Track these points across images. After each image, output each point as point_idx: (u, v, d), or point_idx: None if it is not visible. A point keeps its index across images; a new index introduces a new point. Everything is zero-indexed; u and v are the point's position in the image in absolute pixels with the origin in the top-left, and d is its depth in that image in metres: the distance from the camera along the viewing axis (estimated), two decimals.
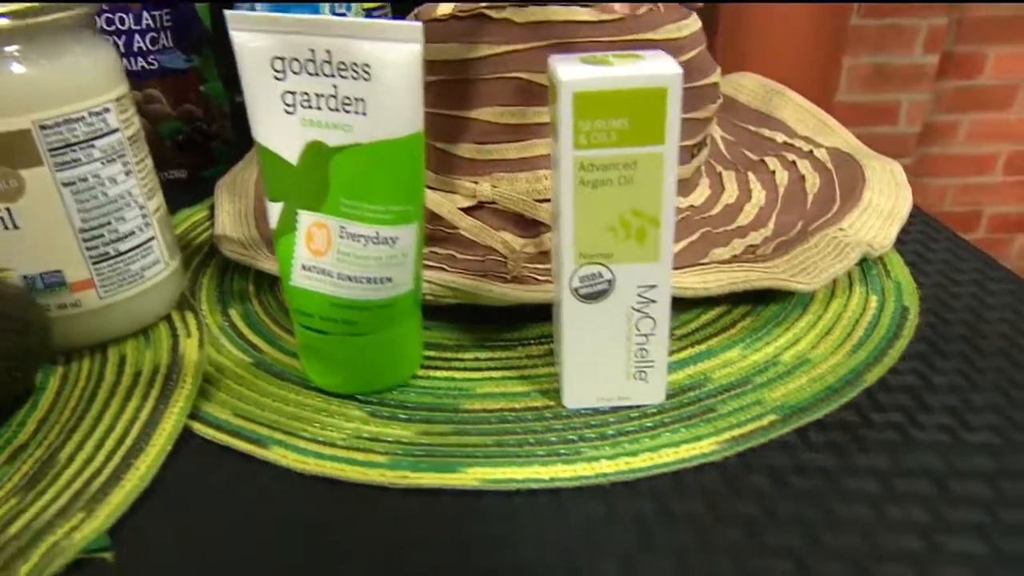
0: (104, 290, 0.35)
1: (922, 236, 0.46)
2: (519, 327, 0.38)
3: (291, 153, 0.31)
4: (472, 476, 0.28)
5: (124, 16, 0.50)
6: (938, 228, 0.47)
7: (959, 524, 0.25)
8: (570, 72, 0.27)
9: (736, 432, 0.30)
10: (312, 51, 0.29)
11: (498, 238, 0.43)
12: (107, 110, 0.34)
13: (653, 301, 0.30)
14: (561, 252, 0.29)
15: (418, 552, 0.25)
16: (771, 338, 0.36)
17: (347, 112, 0.30)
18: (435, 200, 0.42)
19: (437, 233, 0.44)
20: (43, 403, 0.33)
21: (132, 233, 0.36)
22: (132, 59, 0.52)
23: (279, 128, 0.31)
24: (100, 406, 0.33)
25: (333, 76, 0.29)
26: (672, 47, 0.45)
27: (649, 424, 0.31)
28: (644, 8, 0.45)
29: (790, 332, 0.36)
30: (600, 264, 0.29)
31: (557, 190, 0.29)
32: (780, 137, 0.59)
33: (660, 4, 0.48)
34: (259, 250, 0.44)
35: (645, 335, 0.31)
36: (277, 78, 0.30)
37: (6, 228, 0.33)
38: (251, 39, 0.30)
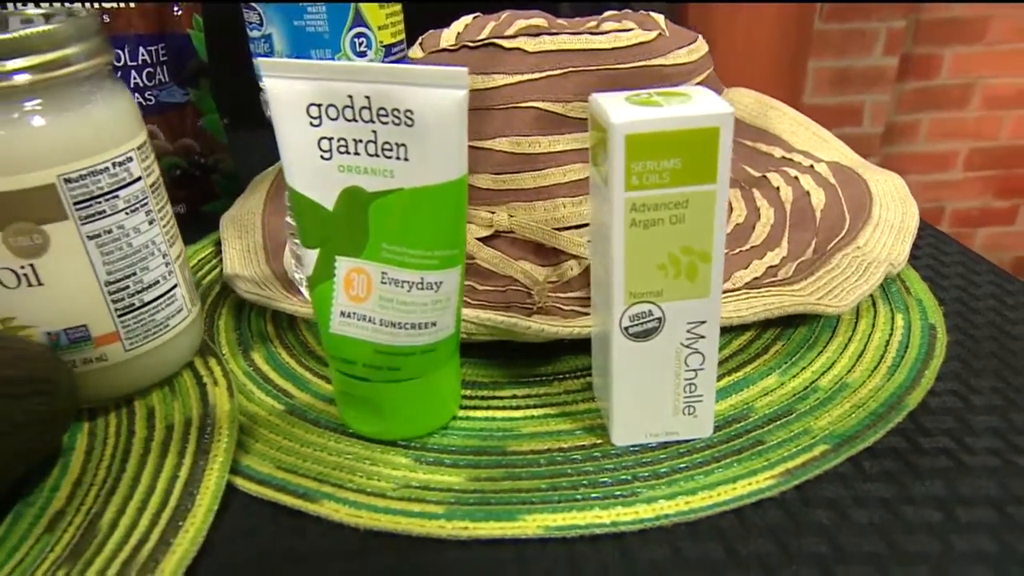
0: (130, 342, 0.34)
1: (933, 250, 0.47)
2: (552, 361, 0.38)
3: (327, 199, 0.30)
4: (534, 523, 0.28)
5: (120, 52, 0.49)
6: (946, 241, 0.48)
7: None
8: (621, 114, 0.26)
9: (790, 464, 0.30)
10: (350, 97, 0.29)
11: (518, 268, 0.42)
12: (130, 159, 0.33)
13: (702, 336, 0.30)
14: (611, 292, 0.29)
15: None
16: (806, 363, 0.36)
17: (387, 157, 0.29)
18: None
19: None
20: (74, 464, 0.32)
21: (156, 282, 0.35)
22: None
23: (314, 174, 0.30)
24: (136, 464, 0.32)
25: (372, 122, 0.29)
26: (682, 71, 0.45)
27: (700, 460, 0.31)
28: (653, 34, 0.45)
29: (824, 356, 0.36)
30: (650, 302, 0.29)
31: (606, 229, 0.29)
32: (778, 152, 0.59)
33: (666, 28, 0.48)
34: (274, 288, 0.43)
35: (694, 370, 0.30)
36: (313, 124, 0.30)
37: (30, 285, 0.32)
38: (285, 85, 0.29)
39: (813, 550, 0.26)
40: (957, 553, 0.26)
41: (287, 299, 0.41)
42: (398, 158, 0.29)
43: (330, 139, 0.30)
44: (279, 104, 0.30)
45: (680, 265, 0.28)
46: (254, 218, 0.51)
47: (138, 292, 0.34)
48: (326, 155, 0.30)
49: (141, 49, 0.50)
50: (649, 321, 0.29)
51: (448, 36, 0.50)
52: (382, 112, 0.29)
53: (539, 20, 0.51)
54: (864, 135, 1.81)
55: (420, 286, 0.30)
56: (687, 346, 0.30)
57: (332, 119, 0.29)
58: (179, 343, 0.37)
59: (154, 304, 0.35)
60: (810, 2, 1.58)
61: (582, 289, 0.42)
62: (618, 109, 0.27)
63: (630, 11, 0.53)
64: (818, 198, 0.51)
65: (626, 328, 0.29)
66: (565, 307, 0.41)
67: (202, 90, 0.54)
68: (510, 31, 0.50)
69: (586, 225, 0.44)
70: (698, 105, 0.27)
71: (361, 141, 0.29)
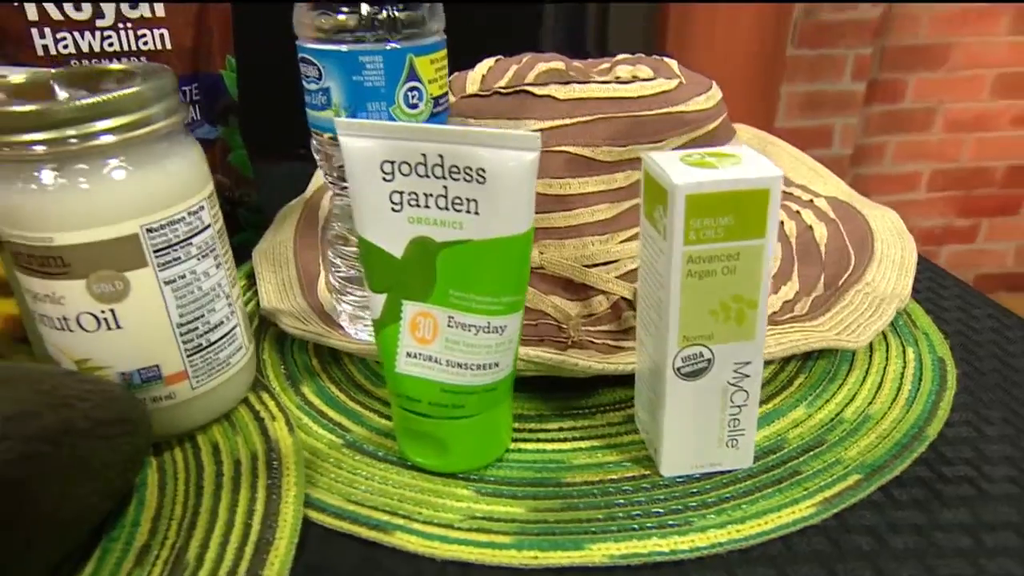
0: (196, 380, 0.36)
1: (931, 283, 0.50)
2: (592, 394, 0.40)
3: (396, 248, 0.32)
4: (599, 552, 0.30)
5: None
6: (942, 274, 0.51)
7: None
8: (680, 175, 0.29)
9: (827, 493, 0.32)
10: (423, 155, 0.31)
11: (550, 303, 0.45)
12: (202, 208, 0.35)
13: (747, 376, 0.32)
14: (666, 335, 0.31)
15: None
16: (828, 395, 0.39)
17: (457, 211, 0.31)
18: None
19: None
20: (149, 500, 0.33)
21: (221, 323, 0.36)
22: None
23: (385, 225, 0.32)
24: (211, 499, 0.33)
25: (444, 178, 0.31)
26: (700, 117, 0.48)
27: (744, 489, 0.33)
28: (675, 83, 0.48)
29: (844, 388, 0.39)
30: (701, 345, 0.32)
31: (662, 278, 0.31)
32: None
33: (681, 74, 0.51)
34: (315, 323, 0.44)
35: (738, 406, 0.33)
36: (385, 179, 0.32)
37: (108, 328, 0.33)
38: (360, 144, 0.31)
39: (858, 574, 0.29)
40: (989, 575, 0.28)
41: (332, 334, 0.43)
42: (468, 212, 0.31)
43: (401, 193, 0.32)
44: (353, 161, 0.32)
45: (730, 311, 0.31)
46: (286, 251, 0.53)
47: (205, 332, 0.36)
48: (396, 207, 0.32)
49: None
50: (700, 362, 0.32)
51: (474, 79, 0.52)
52: (454, 170, 0.31)
53: (557, 63, 0.54)
54: (834, 156, 1.87)
55: (486, 330, 0.32)
56: (733, 384, 0.32)
57: (404, 175, 0.31)
58: (239, 380, 0.38)
59: (219, 343, 0.36)
60: (796, 2, 1.63)
61: (611, 323, 0.45)
62: (677, 170, 0.29)
63: (643, 55, 0.55)
64: (820, 232, 0.54)
65: (678, 368, 0.32)
66: (597, 340, 0.43)
67: (231, 127, 0.56)
68: (532, 74, 0.52)
69: (613, 262, 0.46)
70: (750, 167, 0.30)
71: (432, 195, 0.31)
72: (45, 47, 0.49)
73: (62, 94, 0.32)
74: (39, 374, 0.29)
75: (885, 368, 0.41)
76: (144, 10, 0.50)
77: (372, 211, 0.32)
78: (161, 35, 0.51)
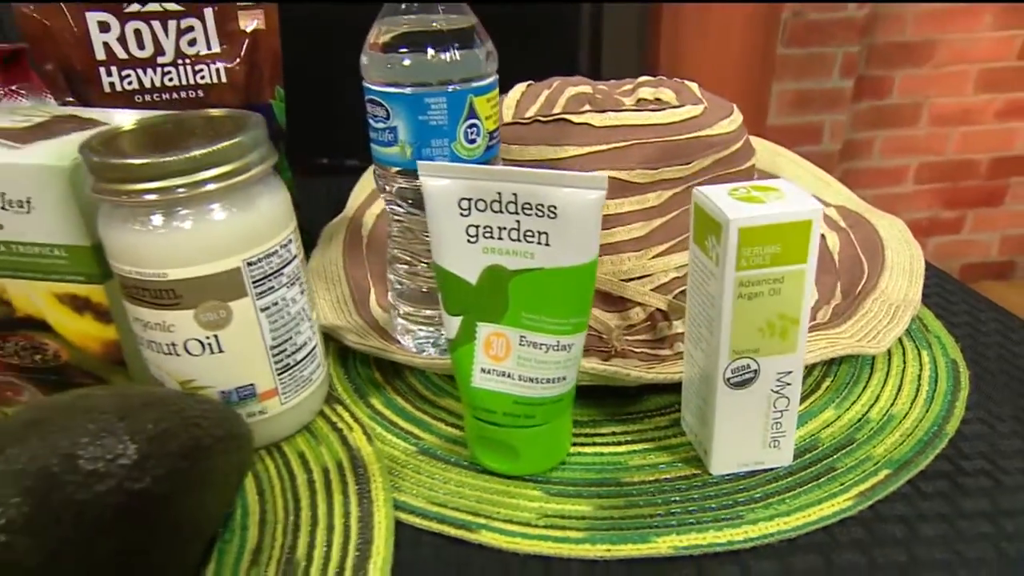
0: (285, 396, 0.40)
1: (939, 288, 0.54)
2: (638, 400, 0.44)
3: (471, 275, 0.36)
4: (664, 544, 0.34)
5: None
6: (948, 280, 0.55)
7: None
8: (732, 210, 0.33)
9: (862, 487, 0.36)
10: (499, 193, 0.35)
11: (591, 315, 0.48)
12: (290, 240, 0.38)
13: (788, 384, 0.36)
14: (718, 349, 0.35)
15: None
16: (854, 397, 0.43)
17: (528, 242, 0.35)
18: None
19: None
20: (252, 505, 0.37)
21: (305, 343, 0.40)
22: None
23: (460, 255, 0.36)
24: (308, 504, 0.37)
25: (517, 213, 0.35)
26: (726, 140, 0.52)
27: (786, 485, 0.37)
28: (701, 109, 0.52)
29: (868, 391, 0.43)
30: (749, 357, 0.35)
31: (714, 300, 0.35)
32: None
33: (702, 97, 0.55)
34: (374, 337, 0.48)
35: (780, 411, 0.37)
36: (462, 215, 0.35)
37: (212, 352, 0.37)
38: (439, 183, 0.35)
39: (894, 559, 0.33)
40: (1010, 558, 0.32)
41: (394, 349, 0.46)
42: (539, 243, 0.35)
43: (477, 227, 0.35)
44: (433, 198, 0.35)
45: (775, 328, 0.35)
46: (337, 270, 0.56)
47: (293, 352, 0.39)
48: (472, 239, 0.36)
49: None
50: (747, 373, 0.36)
51: (508, 105, 0.56)
52: (527, 206, 0.34)
53: (585, 87, 0.58)
54: (824, 152, 1.92)
55: (556, 348, 0.36)
56: (776, 392, 0.36)
57: (480, 211, 0.35)
58: (318, 394, 0.42)
59: (303, 361, 0.40)
60: (786, 2, 1.67)
61: (647, 333, 0.49)
62: (728, 204, 0.33)
63: (664, 78, 0.59)
64: (833, 242, 0.59)
65: (728, 379, 0.36)
66: (636, 349, 0.47)
67: (280, 153, 0.59)
68: (562, 99, 0.56)
69: (647, 276, 0.50)
70: (792, 201, 0.33)
71: (505, 228, 0.35)
72: (112, 84, 0.52)
73: (166, 144, 0.36)
74: (169, 398, 0.32)
75: (903, 371, 0.45)
76: (201, 47, 0.54)
77: (449, 242, 0.36)
78: (217, 70, 0.54)
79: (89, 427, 0.29)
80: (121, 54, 0.52)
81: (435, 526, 0.36)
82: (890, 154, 2.03)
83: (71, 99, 0.52)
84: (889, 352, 0.47)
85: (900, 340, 0.48)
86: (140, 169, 0.33)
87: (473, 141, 0.42)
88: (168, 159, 0.34)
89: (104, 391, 0.32)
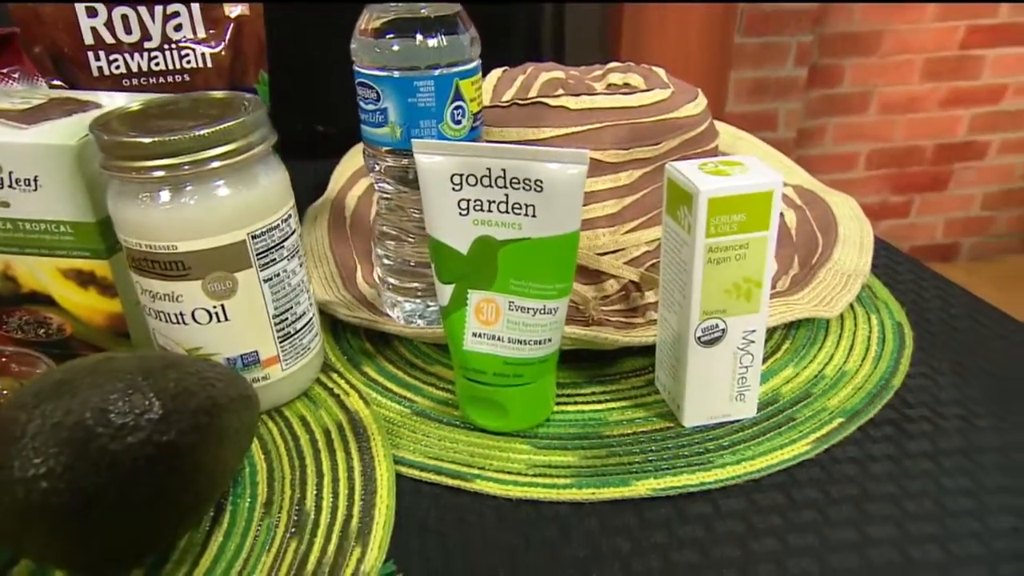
0: (286, 363, 0.42)
1: (886, 260, 0.59)
2: (615, 363, 0.47)
3: (463, 246, 0.39)
4: (643, 487, 0.37)
5: None
6: (895, 252, 0.60)
7: (995, 486, 0.37)
8: (703, 182, 0.36)
9: (818, 434, 0.40)
10: (488, 169, 0.37)
11: None
12: (290, 216, 0.41)
13: (752, 341, 0.40)
14: (689, 310, 0.39)
15: (624, 541, 0.34)
16: (811, 357, 0.47)
17: (516, 214, 0.38)
18: None
19: None
20: (259, 464, 0.40)
21: (304, 313, 0.42)
22: None
23: (452, 227, 0.39)
24: (312, 461, 0.39)
25: (505, 188, 0.38)
26: (691, 122, 0.55)
27: (751, 434, 0.41)
28: (667, 93, 0.55)
29: (823, 351, 0.47)
30: (717, 318, 0.39)
31: (685, 265, 0.38)
32: None
33: (669, 81, 0.59)
34: (363, 311, 0.51)
35: (745, 367, 0.41)
36: (454, 189, 0.38)
37: (219, 321, 0.39)
38: (433, 161, 0.38)
39: (848, 493, 0.37)
40: (948, 490, 0.36)
41: (385, 321, 0.49)
42: (526, 215, 0.38)
43: (468, 200, 0.38)
44: (427, 174, 0.38)
45: (740, 290, 0.38)
46: (324, 248, 0.58)
47: (293, 321, 0.42)
48: (463, 212, 0.39)
49: None
50: (716, 332, 0.39)
51: (486, 90, 0.58)
52: (515, 181, 0.37)
53: (558, 73, 0.61)
54: (780, 139, 1.98)
55: (542, 312, 0.39)
56: (742, 349, 0.40)
57: (471, 185, 0.38)
58: (315, 362, 0.44)
59: (302, 330, 0.43)
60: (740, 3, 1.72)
61: (621, 303, 0.52)
62: (699, 177, 0.37)
63: (633, 64, 0.62)
64: (790, 218, 0.63)
65: (699, 338, 0.39)
66: (612, 318, 0.51)
67: None
68: (537, 84, 0.59)
69: (620, 250, 0.54)
70: (756, 173, 0.37)
71: (494, 202, 0.38)
72: (100, 68, 0.54)
73: (174, 123, 0.38)
74: (186, 361, 0.35)
75: (855, 333, 0.49)
76: (187, 32, 0.55)
77: (442, 215, 0.39)
78: (202, 55, 0.56)
79: (117, 385, 0.31)
80: (108, 39, 0.53)
81: (433, 477, 0.39)
82: (841, 141, 2.10)
83: (58, 82, 0.54)
84: (842, 316, 0.51)
85: (852, 306, 0.52)
86: (149, 147, 0.36)
87: (459, 122, 0.45)
88: (175, 138, 0.36)
89: (125, 355, 0.34)
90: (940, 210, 2.22)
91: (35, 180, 0.40)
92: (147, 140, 0.36)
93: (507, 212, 0.38)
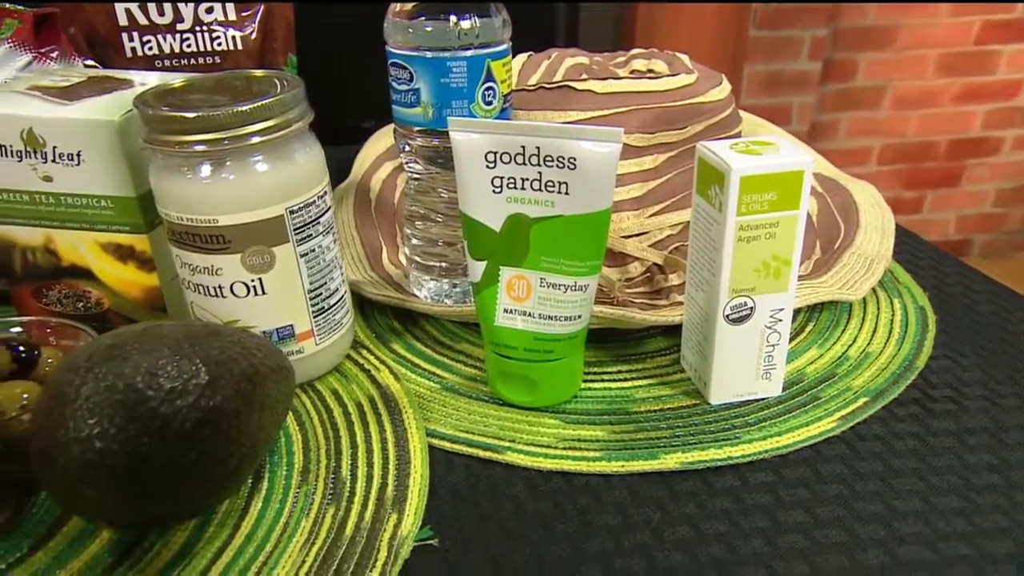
0: (320, 338, 0.43)
1: (907, 246, 0.59)
2: (641, 343, 0.48)
3: (495, 223, 0.40)
4: (672, 460, 0.38)
5: None
6: (915, 238, 0.60)
7: (1019, 462, 0.37)
8: (735, 160, 0.37)
9: (844, 412, 0.41)
10: (523, 147, 0.38)
11: None
12: (325, 192, 0.41)
13: (780, 320, 0.41)
14: (718, 288, 0.39)
15: (654, 511, 0.35)
16: (834, 338, 0.47)
17: (549, 192, 0.39)
18: None
19: None
20: (294, 435, 0.40)
21: (337, 289, 0.43)
22: None
23: (485, 203, 0.40)
24: (346, 432, 0.40)
25: (539, 165, 0.38)
26: (716, 107, 0.56)
27: (777, 412, 0.41)
28: (693, 78, 0.56)
29: (847, 333, 0.48)
30: (746, 296, 0.40)
31: (716, 243, 0.39)
32: None
33: (693, 67, 0.59)
34: (390, 290, 0.51)
35: (772, 345, 0.41)
36: (488, 167, 0.39)
37: (256, 295, 0.40)
38: (467, 138, 0.38)
39: (873, 468, 0.37)
40: (970, 466, 0.37)
41: (412, 300, 0.50)
42: (559, 192, 0.38)
43: (502, 178, 0.39)
44: (462, 151, 0.39)
45: (770, 268, 0.39)
46: (349, 229, 0.59)
47: (327, 297, 0.43)
48: (497, 190, 0.39)
49: None
50: (744, 310, 0.40)
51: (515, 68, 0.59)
52: (548, 159, 0.38)
53: (582, 58, 0.61)
54: (793, 133, 1.97)
55: (573, 288, 0.40)
56: (769, 327, 0.41)
57: (505, 163, 0.39)
58: (347, 338, 0.45)
59: (336, 306, 0.43)
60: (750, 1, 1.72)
61: (644, 285, 0.53)
62: (730, 156, 0.37)
63: (656, 50, 0.63)
64: (812, 205, 0.63)
65: (727, 315, 0.40)
66: (636, 300, 0.51)
67: None
68: (561, 69, 0.59)
69: (644, 233, 0.54)
70: (787, 153, 0.37)
71: (528, 179, 0.39)
72: (133, 49, 0.54)
73: (216, 99, 0.39)
74: (228, 331, 0.36)
75: (878, 316, 0.49)
76: (218, 14, 0.56)
77: (475, 192, 0.39)
78: (233, 37, 0.57)
79: (165, 351, 0.32)
80: (142, 20, 0.54)
81: (465, 449, 0.39)
82: (855, 135, 2.09)
83: (91, 62, 0.55)
84: (864, 300, 0.51)
85: (874, 290, 0.52)
86: (191, 122, 0.36)
87: (490, 103, 0.46)
88: (216, 113, 0.36)
89: (169, 323, 0.35)
90: (953, 206, 2.22)
91: (78, 155, 0.41)
92: (190, 115, 0.36)
93: (540, 190, 0.39)
